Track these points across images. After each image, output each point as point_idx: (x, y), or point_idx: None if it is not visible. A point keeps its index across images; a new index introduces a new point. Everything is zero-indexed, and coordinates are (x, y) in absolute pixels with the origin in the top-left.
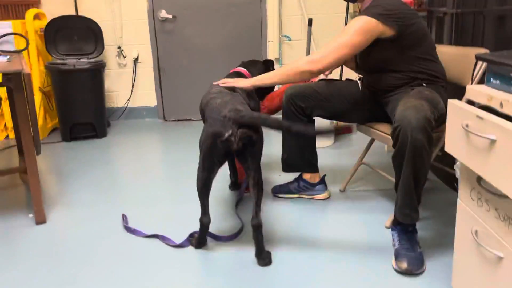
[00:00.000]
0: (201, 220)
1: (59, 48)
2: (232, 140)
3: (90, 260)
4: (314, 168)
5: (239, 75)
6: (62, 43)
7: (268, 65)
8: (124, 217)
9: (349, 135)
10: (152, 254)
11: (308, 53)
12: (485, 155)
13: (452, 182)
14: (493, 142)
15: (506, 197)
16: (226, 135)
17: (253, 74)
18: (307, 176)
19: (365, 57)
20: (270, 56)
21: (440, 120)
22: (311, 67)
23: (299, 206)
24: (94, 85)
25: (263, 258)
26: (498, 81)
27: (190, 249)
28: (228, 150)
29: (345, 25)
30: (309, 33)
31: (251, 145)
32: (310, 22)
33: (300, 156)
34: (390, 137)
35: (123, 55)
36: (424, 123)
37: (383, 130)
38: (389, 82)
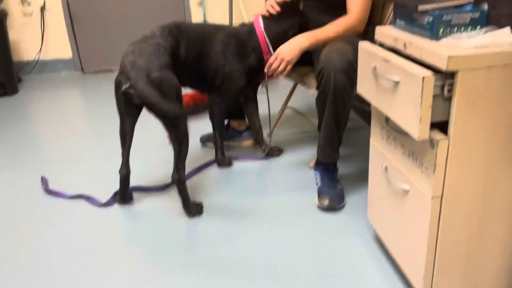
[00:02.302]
0: (119, 172)
1: None
2: (131, 93)
3: (6, 229)
4: (240, 115)
5: (250, 32)
6: None
7: (304, 23)
8: (43, 179)
9: (276, 80)
10: (76, 216)
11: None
12: (391, 96)
13: (369, 119)
14: (396, 83)
15: (408, 134)
16: (123, 87)
17: (269, 33)
18: (234, 123)
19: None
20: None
21: None
22: (358, 30)
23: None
24: None
25: (189, 210)
26: (403, 22)
27: (116, 207)
28: (132, 102)
29: None
30: None
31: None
32: None
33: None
34: (313, 81)
35: (27, 2)
36: (347, 66)
37: (306, 74)
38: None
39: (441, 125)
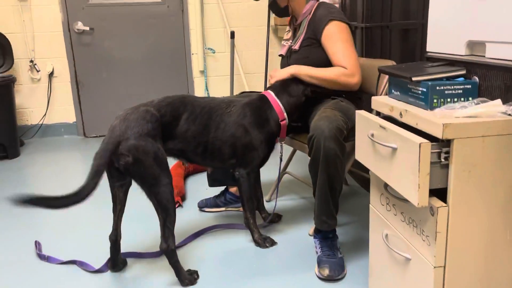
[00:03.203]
0: (108, 238)
1: None
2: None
3: None
4: None
5: (263, 99)
6: None
7: (305, 94)
8: (37, 243)
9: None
10: (68, 282)
11: (232, 66)
12: (388, 163)
13: (369, 186)
14: (394, 150)
15: (407, 201)
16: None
17: (282, 101)
18: (233, 189)
19: (304, 59)
20: (195, 69)
21: (354, 130)
22: (351, 81)
23: (226, 219)
24: (3, 102)
25: (182, 279)
26: (398, 92)
27: (109, 274)
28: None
29: (267, 37)
30: (232, 46)
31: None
32: (232, 34)
33: (224, 170)
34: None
35: (36, 69)
36: (335, 133)
37: (304, 141)
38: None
39: (441, 193)
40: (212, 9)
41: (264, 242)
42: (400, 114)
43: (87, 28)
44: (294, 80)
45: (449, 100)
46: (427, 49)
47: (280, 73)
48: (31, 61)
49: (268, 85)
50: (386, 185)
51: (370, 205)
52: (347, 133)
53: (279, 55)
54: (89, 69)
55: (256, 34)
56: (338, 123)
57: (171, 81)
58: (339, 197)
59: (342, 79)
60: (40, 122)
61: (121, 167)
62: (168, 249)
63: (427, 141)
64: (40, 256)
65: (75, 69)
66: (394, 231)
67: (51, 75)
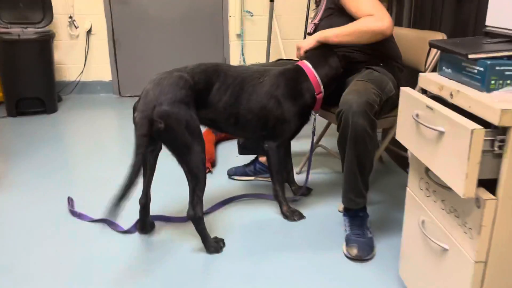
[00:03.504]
0: (138, 201)
1: (2, 16)
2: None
3: (29, 247)
4: None
5: (298, 70)
6: (6, 10)
7: (342, 64)
8: (70, 200)
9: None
10: (97, 240)
11: (270, 30)
12: (433, 147)
13: (406, 166)
14: (441, 134)
15: (451, 189)
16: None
17: (321, 75)
18: (263, 158)
19: (327, 28)
20: (232, 32)
21: (389, 102)
22: (381, 25)
23: (255, 188)
24: (42, 57)
25: (208, 247)
26: (450, 70)
27: (137, 235)
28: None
29: (308, 2)
30: (271, 9)
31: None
32: None
33: (255, 140)
34: None
35: (74, 26)
36: (364, 108)
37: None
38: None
39: (487, 183)
40: None
41: (292, 215)
42: (451, 94)
43: None
44: (331, 50)
45: (509, 82)
46: (486, 23)
47: (306, 43)
48: (70, 17)
49: (297, 57)
50: (427, 169)
51: (407, 188)
52: (380, 107)
53: (308, 34)
54: (126, 27)
55: None
56: (369, 97)
57: (206, 43)
58: (369, 175)
59: (371, 25)
60: (78, 79)
61: (153, 133)
62: (196, 216)
63: (481, 127)
64: (73, 213)
65: (113, 27)
66: (432, 219)
67: (89, 32)
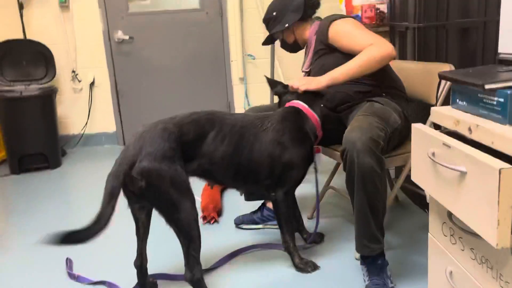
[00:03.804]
0: (133, 263)
1: (6, 74)
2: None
3: None
4: None
5: (296, 111)
6: (9, 69)
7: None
8: (68, 261)
9: (317, 155)
10: None
11: (272, 73)
12: (455, 189)
13: (424, 204)
14: (463, 174)
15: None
16: None
17: (316, 112)
18: (270, 204)
19: (320, 68)
20: (235, 76)
21: (396, 134)
22: (383, 51)
23: (264, 238)
24: (44, 113)
25: None
26: (465, 103)
27: None
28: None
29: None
30: (273, 52)
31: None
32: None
33: (256, 191)
34: None
35: (77, 79)
36: (369, 145)
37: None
38: (346, 92)
39: None
40: (252, 15)
41: (306, 266)
42: (469, 129)
43: (127, 37)
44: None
45: None
46: (499, 50)
47: (314, 85)
48: (73, 71)
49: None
50: (450, 214)
51: (429, 234)
52: (387, 142)
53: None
54: (129, 78)
55: None
56: (373, 133)
57: (210, 88)
58: (383, 217)
59: (377, 53)
60: (82, 132)
61: (135, 191)
62: (194, 279)
63: (509, 165)
64: (70, 275)
65: (115, 78)
66: (461, 269)
67: (92, 84)
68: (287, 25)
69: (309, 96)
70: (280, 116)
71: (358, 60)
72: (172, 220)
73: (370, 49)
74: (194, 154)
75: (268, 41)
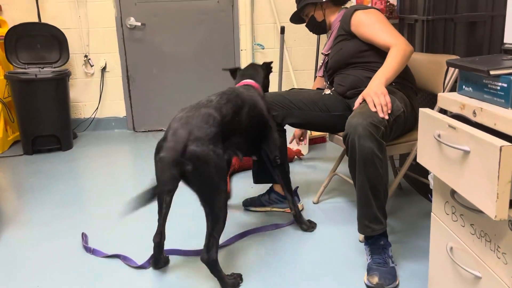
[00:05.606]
0: (152, 239)
1: (20, 57)
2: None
3: (43, 284)
4: None
5: (252, 86)
6: (24, 52)
7: (269, 69)
8: (83, 235)
9: (323, 144)
10: (111, 276)
11: (281, 62)
12: (458, 167)
13: (426, 192)
14: (466, 153)
15: (481, 212)
16: (159, 155)
17: (259, 83)
18: (278, 188)
19: (338, 52)
20: (244, 65)
21: (399, 122)
22: (407, 50)
23: (271, 219)
24: (58, 96)
25: (225, 287)
26: (470, 88)
27: (150, 270)
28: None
29: (318, 36)
30: (282, 41)
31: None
32: (282, 30)
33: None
34: None
35: (90, 64)
36: (370, 129)
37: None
38: (358, 77)
39: None
40: (262, 4)
41: (309, 227)
42: (474, 112)
43: (139, 24)
44: (256, 64)
45: None
46: (505, 41)
47: (380, 90)
48: (86, 56)
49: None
50: (453, 192)
51: (432, 213)
52: (389, 128)
53: (321, 64)
54: (140, 64)
55: (306, 29)
56: (373, 118)
57: (219, 77)
58: (385, 200)
59: (402, 53)
60: (93, 116)
61: (178, 174)
62: (210, 260)
63: (510, 144)
64: (86, 249)
65: (127, 64)
66: (461, 245)
67: (103, 69)
68: None
69: (250, 72)
70: (248, 90)
71: (393, 62)
72: (208, 202)
73: (399, 49)
74: (230, 131)
75: (296, 17)
